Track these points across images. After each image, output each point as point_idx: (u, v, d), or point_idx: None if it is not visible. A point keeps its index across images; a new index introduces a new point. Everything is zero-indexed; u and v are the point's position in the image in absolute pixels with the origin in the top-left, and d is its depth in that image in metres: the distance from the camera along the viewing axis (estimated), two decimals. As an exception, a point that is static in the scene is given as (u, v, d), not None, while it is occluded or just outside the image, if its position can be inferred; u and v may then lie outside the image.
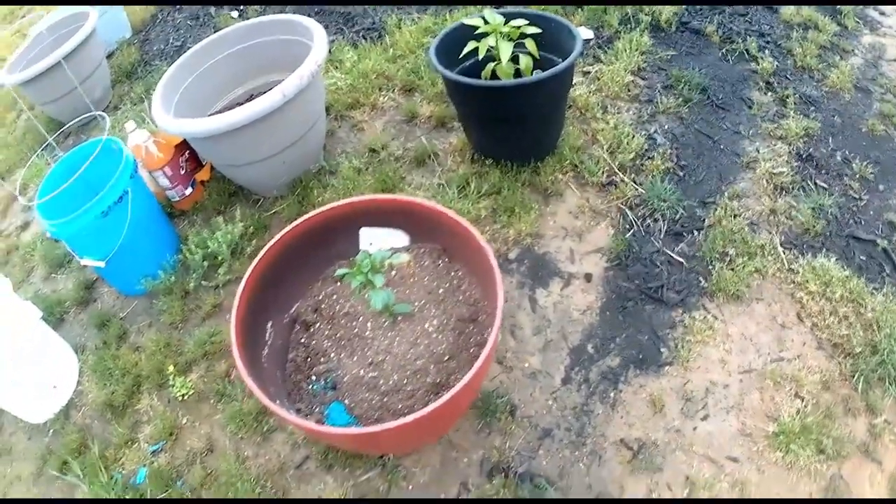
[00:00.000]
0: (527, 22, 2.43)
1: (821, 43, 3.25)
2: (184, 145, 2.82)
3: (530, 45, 2.43)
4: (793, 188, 2.56)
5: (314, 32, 2.67)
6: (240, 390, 2.24)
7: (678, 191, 2.55)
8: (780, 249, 2.38)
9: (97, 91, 3.93)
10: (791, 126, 2.77)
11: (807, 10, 3.49)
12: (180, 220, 2.91)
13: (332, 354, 2.00)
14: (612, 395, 2.09)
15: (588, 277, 2.35)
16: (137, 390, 2.37)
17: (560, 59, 2.44)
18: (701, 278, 2.32)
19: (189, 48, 2.95)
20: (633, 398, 2.09)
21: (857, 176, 2.62)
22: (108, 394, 2.36)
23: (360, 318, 2.04)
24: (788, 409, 2.05)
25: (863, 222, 2.48)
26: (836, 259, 2.34)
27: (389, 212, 2.09)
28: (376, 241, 2.14)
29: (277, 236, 2.00)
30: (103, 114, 2.76)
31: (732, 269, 2.31)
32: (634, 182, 2.59)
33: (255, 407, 2.17)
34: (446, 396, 1.55)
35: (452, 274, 2.10)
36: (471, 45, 2.44)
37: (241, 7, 4.31)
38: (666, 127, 2.82)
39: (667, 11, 3.40)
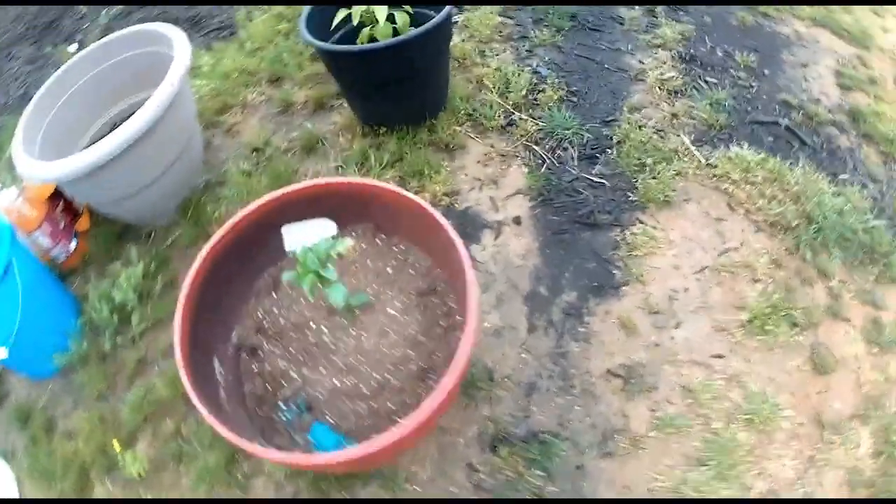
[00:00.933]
0: None
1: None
2: (56, 196, 2.44)
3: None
4: (686, 90, 2.55)
5: (172, 38, 2.39)
6: (198, 444, 1.91)
7: (577, 116, 2.47)
8: (693, 148, 2.35)
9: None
10: (667, 33, 2.78)
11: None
12: (72, 279, 2.50)
13: (293, 373, 1.71)
14: (581, 330, 1.97)
15: (517, 221, 2.21)
16: (86, 481, 1.98)
17: (434, 13, 2.29)
18: (627, 193, 2.25)
19: (33, 93, 2.57)
20: (603, 326, 1.98)
21: (742, 66, 2.66)
22: (56, 494, 1.96)
23: (313, 326, 1.78)
24: (751, 294, 2.03)
25: (760, 107, 2.51)
26: (748, 146, 2.35)
27: (307, 202, 1.84)
28: (301, 236, 1.88)
29: (197, 262, 1.70)
30: None
31: (654, 178, 2.25)
32: (532, 117, 2.49)
33: (222, 457, 1.86)
34: (447, 382, 1.35)
35: (395, 249, 1.89)
36: (342, 13, 2.25)
37: (80, 38, 3.86)
38: (547, 59, 2.75)
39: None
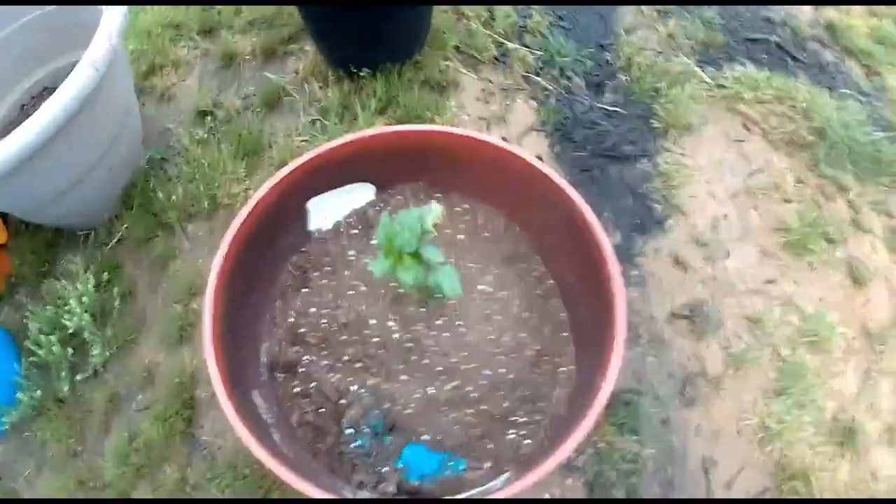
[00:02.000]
0: None
1: None
2: None
3: None
4: (675, 10, 2.43)
5: None
6: (215, 490, 1.58)
7: (572, 42, 2.29)
8: (698, 69, 2.24)
9: None
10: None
11: None
12: None
13: (356, 388, 1.34)
14: (634, 273, 1.84)
15: (539, 160, 2.01)
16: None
17: None
18: (649, 121, 2.12)
19: None
20: (656, 266, 1.86)
21: (724, -15, 2.57)
22: None
23: (373, 322, 1.41)
24: (787, 214, 1.98)
25: (748, 24, 2.43)
26: (749, 64, 2.28)
27: (339, 165, 1.49)
28: (331, 210, 1.55)
29: (216, 266, 1.29)
30: None
31: (671, 102, 2.12)
32: (525, 46, 2.29)
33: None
34: (612, 373, 1.14)
35: (458, 210, 1.57)
36: None
37: None
38: (521, -17, 2.53)
39: None
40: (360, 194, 1.60)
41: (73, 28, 2.09)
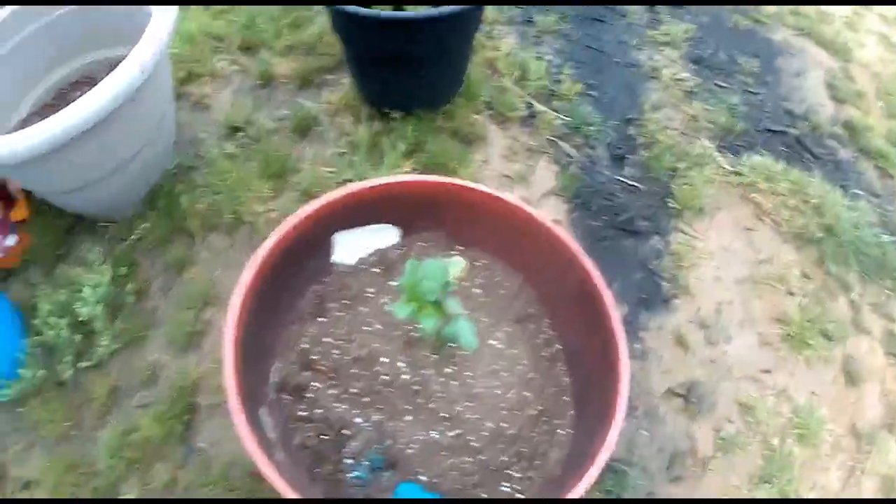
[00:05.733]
0: None
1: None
2: None
3: None
4: (699, 92, 2.60)
5: None
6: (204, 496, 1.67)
7: (599, 112, 2.45)
8: (717, 155, 2.41)
9: None
10: (672, 31, 2.82)
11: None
12: (9, 282, 2.09)
13: (360, 421, 1.44)
14: (637, 346, 1.96)
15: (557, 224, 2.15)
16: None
17: None
18: (664, 199, 2.26)
19: None
20: (658, 342, 1.98)
21: (747, 71, 2.75)
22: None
23: (385, 361, 1.51)
24: (789, 307, 2.11)
25: (769, 115, 2.60)
26: (766, 154, 2.44)
27: (370, 204, 1.63)
28: (355, 245, 1.68)
29: (243, 286, 1.40)
30: None
31: (689, 184, 2.28)
32: (554, 110, 2.44)
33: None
34: (611, 443, 1.26)
35: (477, 264, 1.70)
36: None
37: None
38: (556, 47, 2.71)
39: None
40: (384, 235, 1.73)
41: (113, 23, 2.22)
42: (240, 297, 1.39)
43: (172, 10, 1.93)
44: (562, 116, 2.42)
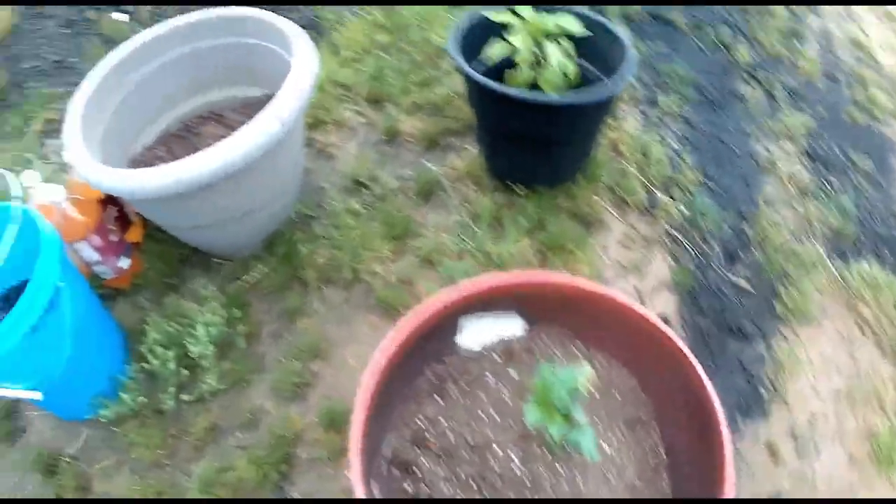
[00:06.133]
0: (572, 18, 2.13)
1: (779, 28, 3.37)
2: (108, 199, 2.16)
3: (565, 46, 2.16)
4: (814, 190, 2.65)
5: (288, 35, 2.13)
6: None
7: (716, 205, 2.52)
8: (828, 261, 2.46)
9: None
10: (790, 122, 2.86)
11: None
12: (115, 302, 2.24)
13: None
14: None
15: (665, 320, 2.24)
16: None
17: (591, 65, 2.29)
18: (772, 303, 2.32)
19: (71, 63, 2.27)
20: (752, 450, 2.05)
21: (861, 170, 2.78)
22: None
23: (498, 451, 1.58)
24: (880, 425, 2.16)
25: (880, 220, 2.64)
26: (875, 262, 2.48)
27: (502, 295, 1.72)
28: (481, 331, 1.78)
29: (379, 360, 1.50)
30: (2, 172, 1.95)
31: (798, 290, 2.34)
32: (674, 199, 2.52)
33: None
34: None
35: (597, 365, 1.77)
36: (500, 47, 2.15)
37: (132, 9, 3.43)
38: (678, 132, 2.78)
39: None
40: (509, 324, 1.82)
41: (249, 63, 2.34)
42: (373, 377, 1.48)
43: (314, 63, 2.03)
44: (680, 207, 2.49)
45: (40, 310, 1.66)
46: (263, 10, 2.29)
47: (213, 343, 2.02)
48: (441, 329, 1.74)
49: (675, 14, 3.41)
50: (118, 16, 3.43)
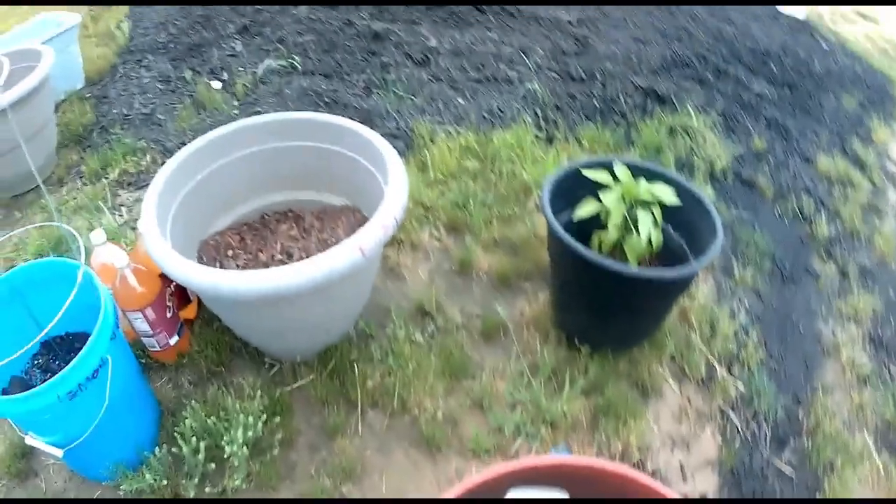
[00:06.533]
0: (666, 187, 2.23)
1: (860, 202, 3.43)
2: None
3: (655, 215, 2.23)
4: (873, 379, 2.66)
5: (382, 152, 2.19)
6: None
7: (773, 386, 2.56)
8: (875, 455, 2.46)
9: (40, 156, 3.21)
10: (859, 305, 2.90)
11: (841, 164, 3.68)
12: (158, 374, 2.34)
13: None
14: None
15: (705, 500, 2.28)
16: None
17: (674, 230, 2.38)
18: (814, 493, 2.33)
19: (159, 119, 2.41)
20: None
21: (922, 352, 2.79)
22: None
23: None
24: None
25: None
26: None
27: (548, 473, 1.84)
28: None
29: None
30: (72, 231, 2.05)
31: (842, 484, 2.34)
32: (733, 375, 2.56)
33: None
34: None
35: None
36: (591, 206, 2.24)
37: (225, 78, 3.72)
38: (747, 304, 2.83)
39: (722, 159, 3.43)
40: (554, 495, 1.92)
41: (337, 173, 2.41)
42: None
43: (404, 197, 2.06)
44: (739, 386, 2.53)
45: (81, 378, 1.75)
46: (362, 126, 2.38)
47: (247, 446, 2.06)
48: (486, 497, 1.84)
49: (762, 178, 3.48)
50: (213, 83, 3.66)
